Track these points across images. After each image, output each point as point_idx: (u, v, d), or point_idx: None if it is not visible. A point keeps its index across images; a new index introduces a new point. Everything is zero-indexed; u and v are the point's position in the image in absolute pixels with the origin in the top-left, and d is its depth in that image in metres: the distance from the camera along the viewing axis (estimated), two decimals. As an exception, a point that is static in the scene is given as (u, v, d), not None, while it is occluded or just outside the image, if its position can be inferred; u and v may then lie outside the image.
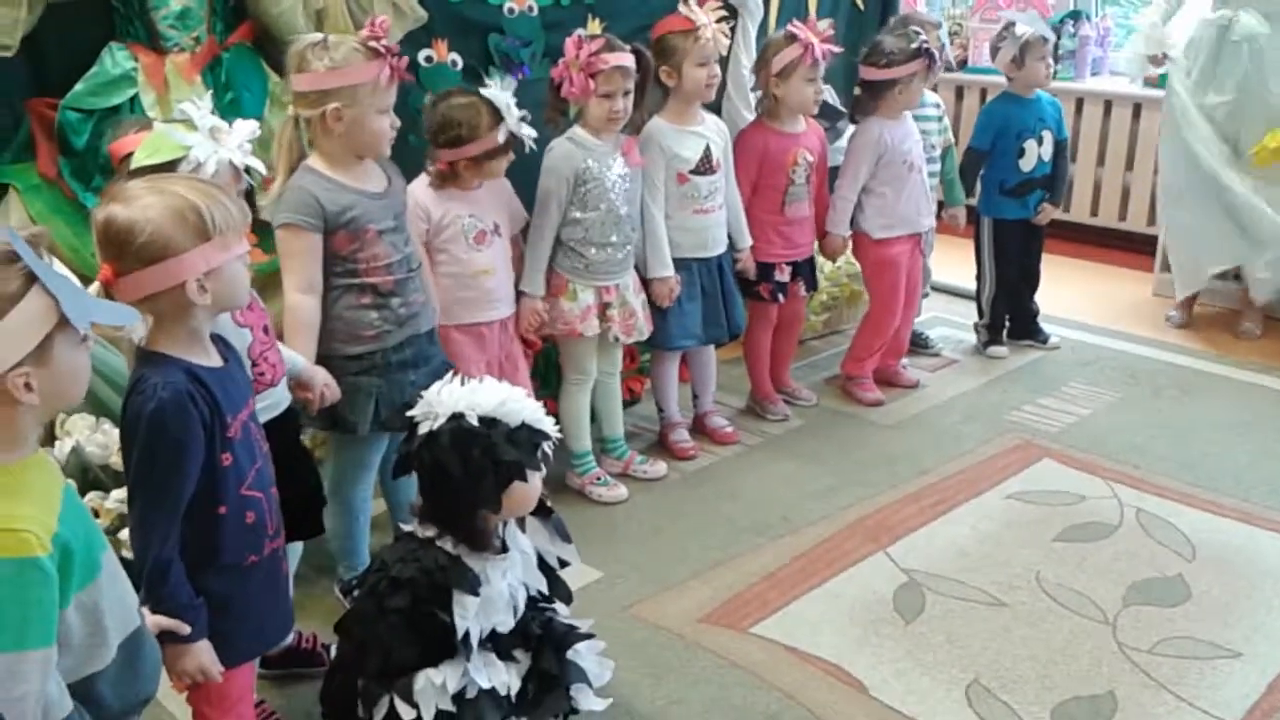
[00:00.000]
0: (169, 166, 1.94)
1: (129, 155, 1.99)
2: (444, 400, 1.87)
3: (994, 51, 4.16)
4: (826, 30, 3.40)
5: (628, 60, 2.93)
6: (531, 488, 1.91)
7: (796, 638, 2.57)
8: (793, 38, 3.37)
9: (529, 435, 1.88)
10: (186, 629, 1.69)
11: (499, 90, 2.72)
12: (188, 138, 1.96)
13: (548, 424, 1.91)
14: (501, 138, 2.72)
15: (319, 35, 2.44)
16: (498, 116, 2.71)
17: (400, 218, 2.51)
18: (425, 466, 1.89)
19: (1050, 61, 4.06)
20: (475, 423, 1.85)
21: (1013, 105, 4.14)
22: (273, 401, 2.16)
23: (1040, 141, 4.10)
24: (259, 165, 2.09)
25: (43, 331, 1.31)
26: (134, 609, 1.52)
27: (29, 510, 1.34)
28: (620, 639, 2.47)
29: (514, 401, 1.88)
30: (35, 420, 1.39)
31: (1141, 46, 4.54)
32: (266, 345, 2.13)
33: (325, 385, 2.32)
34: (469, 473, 1.85)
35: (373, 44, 2.37)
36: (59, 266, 1.37)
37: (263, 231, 2.55)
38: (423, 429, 1.87)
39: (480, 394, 1.88)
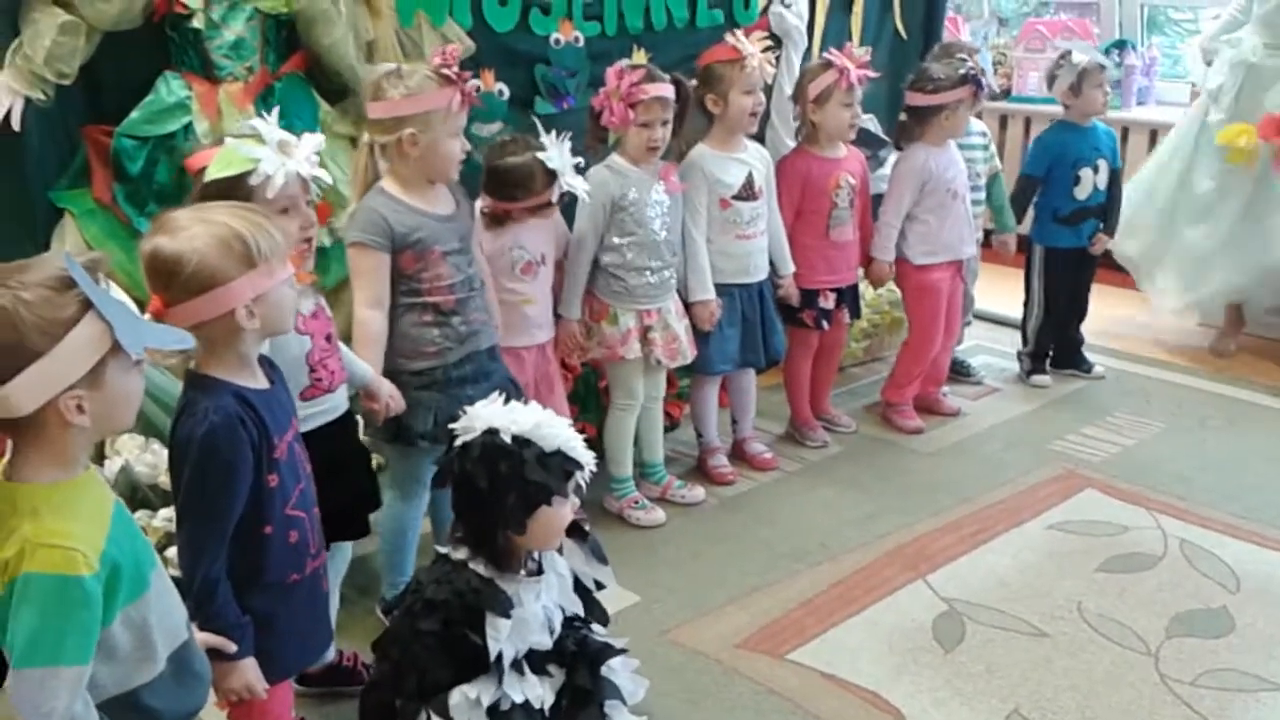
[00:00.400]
0: (241, 179, 1.98)
1: (201, 170, 2.04)
2: (483, 415, 1.90)
3: (1050, 80, 4.16)
4: (863, 56, 3.42)
5: (667, 90, 2.97)
6: (558, 518, 1.91)
7: (834, 665, 2.56)
8: (828, 64, 3.40)
9: (561, 462, 1.89)
10: (233, 647, 1.72)
11: (555, 151, 2.76)
12: (256, 151, 2.01)
13: (584, 455, 1.92)
14: (554, 196, 2.77)
15: (393, 65, 2.52)
16: (552, 177, 2.76)
17: (466, 239, 2.57)
18: (457, 479, 1.91)
19: (1107, 90, 4.06)
20: (508, 440, 1.87)
21: (1069, 133, 4.13)
22: (329, 406, 2.21)
23: (1095, 170, 4.09)
24: (326, 176, 2.14)
25: (96, 356, 1.34)
26: (183, 622, 1.55)
27: (78, 529, 1.37)
28: (658, 663, 2.47)
29: (552, 427, 1.90)
30: (86, 441, 1.42)
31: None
32: (327, 353, 2.18)
33: (391, 397, 2.39)
34: (494, 489, 1.87)
35: (445, 71, 2.44)
36: (116, 291, 1.41)
37: (336, 249, 2.62)
38: (458, 440, 1.90)
39: (519, 413, 1.90)
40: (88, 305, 1.33)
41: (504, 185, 2.77)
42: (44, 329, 1.30)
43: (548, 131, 2.80)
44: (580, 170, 2.89)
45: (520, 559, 1.95)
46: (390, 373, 2.45)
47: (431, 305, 2.51)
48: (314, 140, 2.12)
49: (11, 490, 1.38)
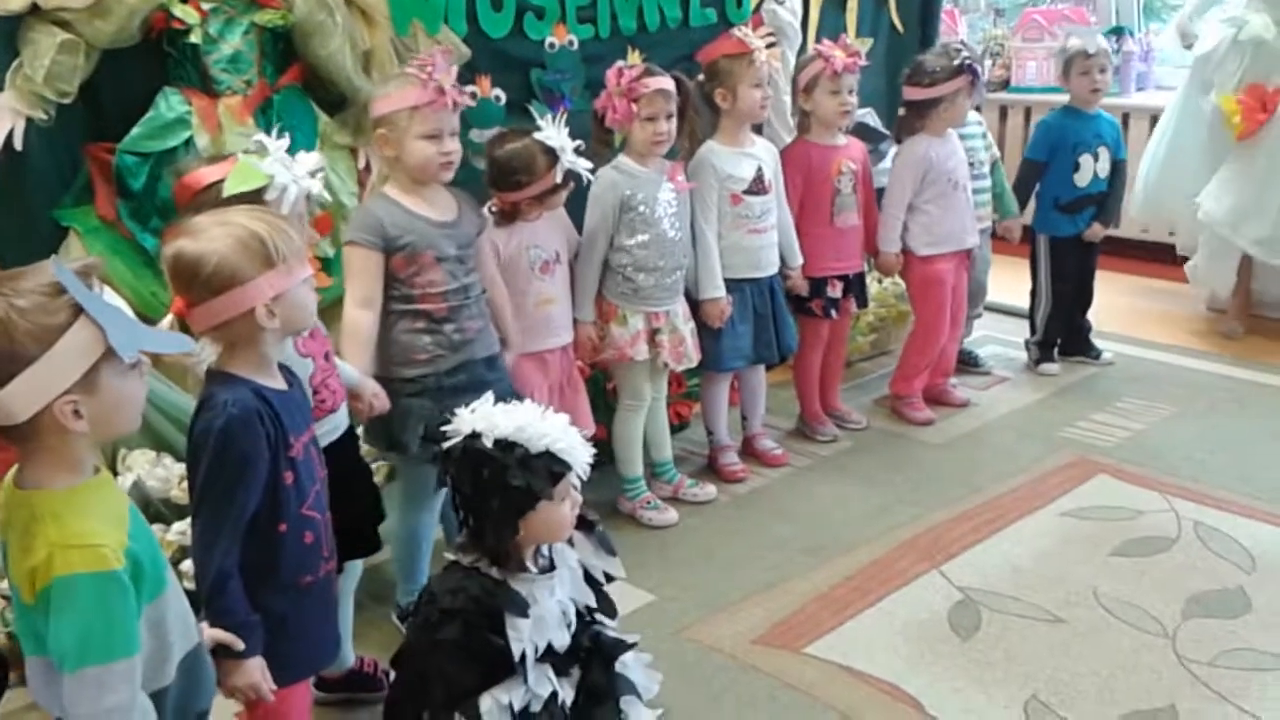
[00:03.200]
0: (256, 194, 2.02)
1: (209, 186, 2.05)
2: (467, 419, 1.89)
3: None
4: (852, 46, 3.44)
5: (668, 84, 2.98)
6: (556, 516, 1.90)
7: (851, 657, 2.56)
8: (816, 55, 3.45)
9: (547, 463, 1.87)
10: (241, 645, 1.72)
11: (552, 130, 2.75)
12: (269, 166, 2.04)
13: (577, 455, 1.90)
14: (559, 176, 2.76)
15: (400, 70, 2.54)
16: (553, 156, 2.75)
17: (465, 249, 2.56)
18: (448, 483, 1.92)
19: (1095, 76, 4.04)
20: (490, 444, 1.86)
21: (1070, 119, 4.14)
22: (333, 426, 2.22)
23: (1096, 158, 4.09)
24: (325, 195, 2.19)
25: (89, 360, 1.35)
26: (194, 626, 1.56)
27: (101, 526, 1.39)
28: (674, 662, 2.47)
29: (538, 427, 1.87)
30: (89, 446, 1.43)
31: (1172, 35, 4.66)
32: (328, 373, 2.20)
33: (374, 395, 2.38)
34: (479, 494, 1.87)
35: (410, 71, 2.45)
36: (111, 296, 1.42)
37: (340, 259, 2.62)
38: (447, 445, 1.90)
39: (501, 416, 1.88)
40: (79, 310, 1.34)
41: (507, 173, 2.75)
42: (36, 335, 1.31)
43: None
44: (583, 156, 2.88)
45: (525, 558, 1.94)
46: (382, 379, 2.44)
47: (424, 312, 2.50)
48: (312, 158, 2.14)
49: (26, 497, 1.39)
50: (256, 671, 1.76)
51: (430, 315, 2.50)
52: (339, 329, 2.44)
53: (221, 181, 2.03)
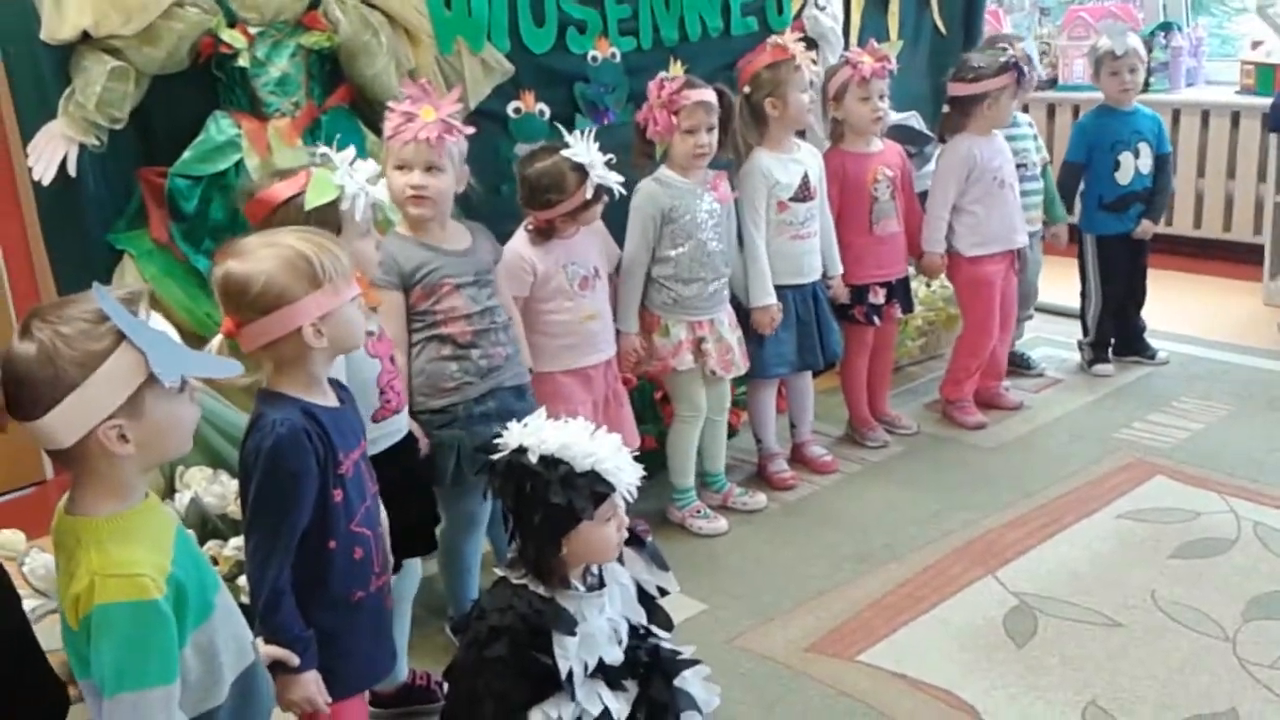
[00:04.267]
0: (334, 206, 2.06)
1: (288, 200, 2.07)
2: (517, 432, 1.90)
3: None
4: (880, 51, 3.43)
5: (709, 96, 2.99)
6: (598, 537, 1.90)
7: (906, 665, 2.54)
8: (844, 61, 3.45)
9: (590, 483, 1.87)
10: (296, 660, 1.75)
11: (580, 146, 2.74)
12: (338, 177, 2.08)
13: (623, 476, 1.90)
14: (589, 192, 2.76)
15: None
16: (583, 173, 2.74)
17: (483, 274, 2.56)
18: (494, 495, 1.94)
19: (1125, 77, 4.00)
20: (534, 459, 1.87)
21: (1106, 118, 4.10)
22: (395, 428, 2.26)
23: (1137, 154, 4.04)
24: (387, 200, 2.23)
25: (132, 385, 1.37)
26: (248, 646, 1.58)
27: (142, 554, 1.41)
28: (727, 670, 2.47)
29: (584, 446, 1.87)
30: (138, 470, 1.45)
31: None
32: (393, 375, 2.23)
33: (417, 439, 2.41)
34: (520, 509, 1.88)
35: (390, 104, 2.48)
36: (158, 321, 1.44)
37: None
38: (494, 457, 1.92)
39: (549, 431, 1.88)
40: (121, 336, 1.36)
41: (537, 191, 2.76)
42: (79, 361, 1.34)
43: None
44: (617, 171, 2.88)
45: (572, 575, 1.94)
46: (412, 414, 2.44)
47: (448, 338, 2.50)
48: (369, 166, 2.17)
49: (73, 524, 1.42)
50: (312, 685, 1.78)
51: (455, 340, 2.50)
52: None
53: (295, 196, 2.07)
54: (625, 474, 1.90)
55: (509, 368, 2.58)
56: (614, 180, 2.79)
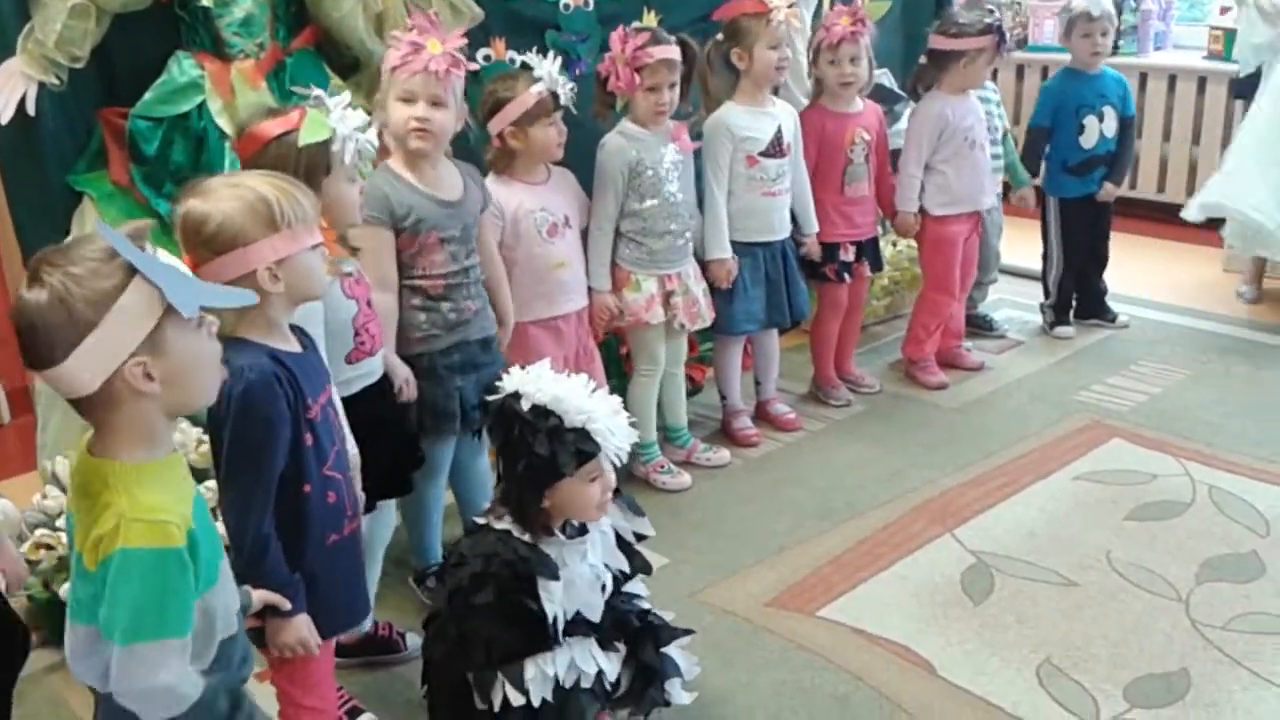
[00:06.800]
0: (325, 146, 2.04)
1: (278, 137, 2.04)
2: (516, 377, 1.92)
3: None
4: (861, 12, 3.40)
5: (673, 53, 2.95)
6: (580, 494, 1.91)
7: (864, 620, 2.57)
8: (822, 23, 3.45)
9: (576, 440, 1.88)
10: (288, 604, 1.75)
11: (541, 60, 2.73)
12: (331, 120, 2.06)
13: (613, 440, 1.91)
14: (537, 91, 2.69)
15: None
16: (531, 75, 2.71)
17: (469, 230, 2.53)
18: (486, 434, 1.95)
19: (1098, 40, 4.00)
20: (526, 407, 1.88)
21: (1071, 81, 4.10)
22: (370, 369, 2.25)
23: (1101, 118, 4.06)
24: (374, 149, 2.19)
25: (151, 320, 1.33)
26: (234, 618, 1.56)
27: (170, 502, 1.39)
28: (689, 624, 2.46)
29: (577, 402, 1.88)
30: (165, 414, 1.42)
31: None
32: (369, 317, 2.21)
33: (405, 381, 2.40)
34: (507, 453, 1.90)
35: (395, 34, 2.43)
36: (165, 256, 1.41)
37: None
38: (491, 397, 1.93)
39: (546, 382, 1.90)
40: (133, 272, 1.32)
41: (490, 97, 2.72)
42: (93, 300, 1.30)
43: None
44: (591, 137, 2.86)
45: (553, 525, 1.96)
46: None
47: (420, 289, 2.47)
48: (359, 115, 2.13)
49: (99, 465, 1.39)
50: (304, 628, 1.79)
51: (427, 292, 2.47)
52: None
53: (286, 133, 2.04)
54: (615, 438, 1.91)
55: (477, 321, 2.55)
56: (566, 85, 2.74)
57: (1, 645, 1.83)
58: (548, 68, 2.71)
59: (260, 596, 1.70)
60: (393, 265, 2.43)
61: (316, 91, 2.13)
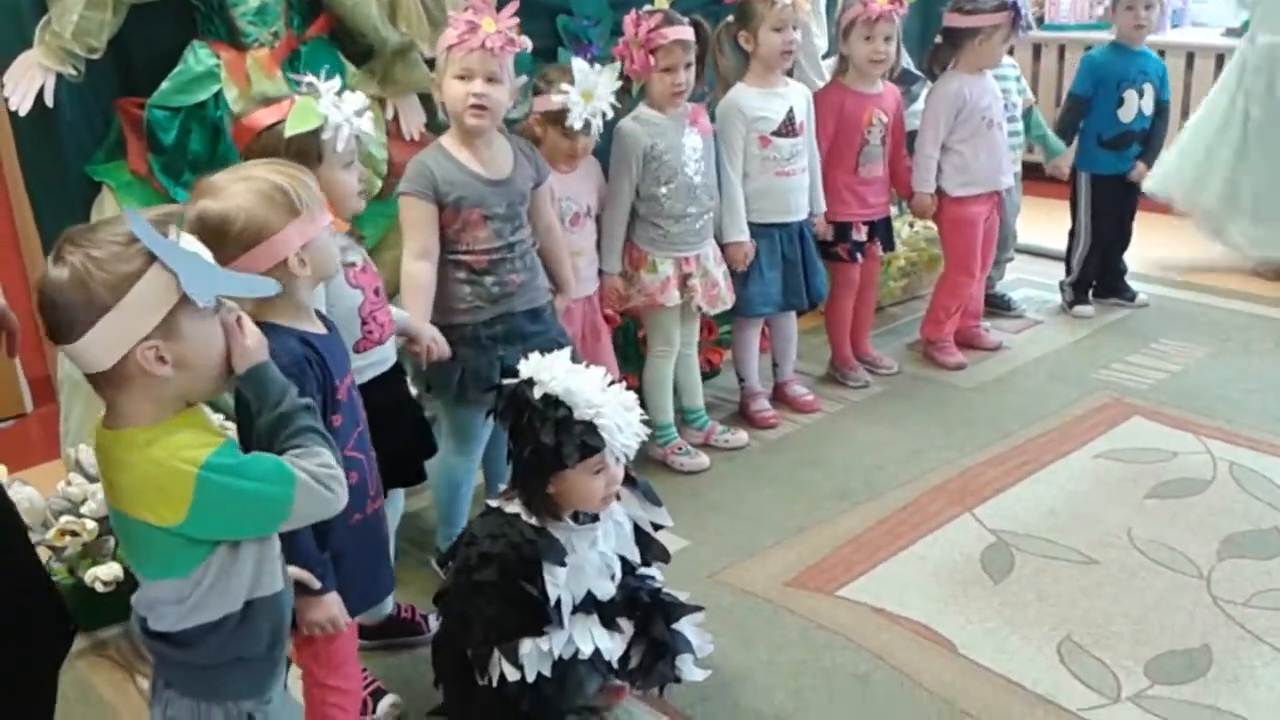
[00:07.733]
0: (315, 134, 2.04)
1: (270, 126, 2.06)
2: (532, 364, 1.93)
3: None
4: None
5: (686, 33, 2.95)
6: (582, 486, 1.93)
7: (884, 599, 2.57)
8: None
9: (582, 434, 1.89)
10: (318, 583, 1.77)
11: (582, 64, 2.75)
12: (322, 107, 2.06)
13: (620, 437, 1.91)
14: (559, 100, 2.71)
15: None
16: (560, 88, 2.72)
17: (515, 206, 2.54)
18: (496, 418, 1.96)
19: (1141, 13, 3.98)
20: (537, 395, 1.89)
21: (1115, 53, 4.09)
22: (380, 358, 2.25)
23: (1141, 94, 4.04)
24: (371, 129, 2.19)
25: (166, 306, 1.36)
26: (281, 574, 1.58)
27: (207, 436, 1.42)
28: (708, 604, 2.47)
29: (588, 395, 1.89)
30: (177, 397, 1.43)
31: None
32: (377, 306, 2.22)
33: (432, 340, 2.42)
34: (515, 438, 1.92)
35: (453, 12, 2.46)
36: (189, 242, 1.42)
37: (370, 209, 2.62)
38: (505, 381, 1.94)
39: (560, 371, 1.90)
40: (153, 258, 1.35)
41: (533, 89, 2.75)
42: (110, 284, 1.33)
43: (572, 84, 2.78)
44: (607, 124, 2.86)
45: (553, 512, 1.97)
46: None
47: (464, 263, 2.51)
48: (358, 98, 2.15)
49: (118, 436, 1.41)
50: (334, 606, 1.81)
51: (470, 266, 2.51)
52: (380, 273, 2.45)
53: (277, 123, 2.05)
54: (623, 435, 1.92)
55: (523, 294, 2.57)
56: (595, 115, 2.75)
57: (48, 629, 1.85)
58: (575, 100, 2.71)
59: (293, 573, 1.72)
60: (434, 237, 2.47)
61: (309, 78, 2.13)
